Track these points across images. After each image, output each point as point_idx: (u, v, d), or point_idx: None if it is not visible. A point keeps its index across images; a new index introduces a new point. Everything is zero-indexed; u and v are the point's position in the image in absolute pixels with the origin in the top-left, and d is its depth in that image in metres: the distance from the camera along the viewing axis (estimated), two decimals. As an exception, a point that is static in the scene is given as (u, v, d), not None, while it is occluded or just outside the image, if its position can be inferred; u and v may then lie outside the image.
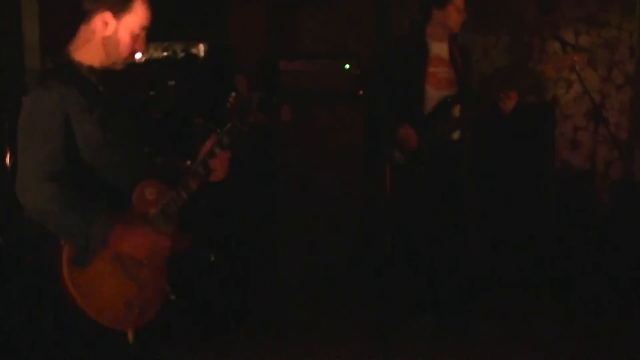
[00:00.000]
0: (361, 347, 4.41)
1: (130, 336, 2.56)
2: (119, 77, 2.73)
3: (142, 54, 2.74)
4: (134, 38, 2.65)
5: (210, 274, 4.89)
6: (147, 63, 5.41)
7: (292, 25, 7.26)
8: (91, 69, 2.64)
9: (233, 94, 2.97)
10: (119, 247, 2.51)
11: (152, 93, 5.19)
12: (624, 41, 6.28)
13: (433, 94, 4.60)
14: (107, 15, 2.59)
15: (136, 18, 2.63)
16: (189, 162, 2.93)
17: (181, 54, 7.83)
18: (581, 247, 5.58)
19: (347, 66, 5.84)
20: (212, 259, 4.96)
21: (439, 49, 4.65)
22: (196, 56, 8.15)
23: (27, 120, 2.52)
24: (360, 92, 5.79)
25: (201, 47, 8.24)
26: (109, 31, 2.61)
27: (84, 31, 2.65)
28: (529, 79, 4.30)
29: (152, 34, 2.76)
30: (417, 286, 4.76)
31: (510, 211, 5.92)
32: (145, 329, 2.63)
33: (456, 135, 4.67)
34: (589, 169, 5.94)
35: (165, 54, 5.62)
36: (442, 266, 4.72)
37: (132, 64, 2.81)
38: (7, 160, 4.65)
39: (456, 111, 4.65)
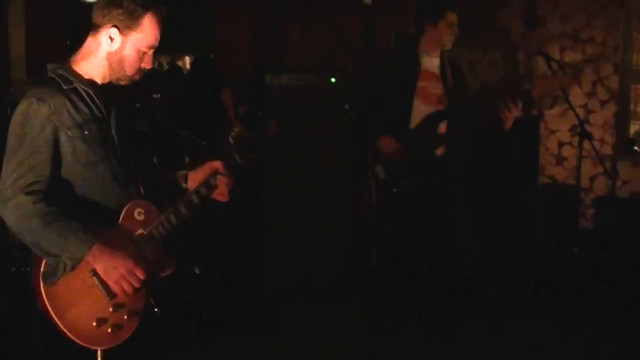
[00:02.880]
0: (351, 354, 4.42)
1: (99, 356, 2.55)
2: (108, 90, 2.67)
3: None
4: (140, 56, 2.61)
5: (195, 285, 4.90)
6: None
7: (279, 38, 7.29)
8: (91, 82, 2.60)
9: (236, 128, 2.92)
10: (95, 266, 2.47)
11: (137, 105, 5.18)
12: (608, 57, 6.33)
13: (422, 108, 4.60)
14: (114, 31, 2.55)
15: (144, 36, 2.58)
16: (180, 173, 2.92)
17: (167, 67, 7.85)
18: (565, 262, 5.61)
19: (334, 80, 5.85)
20: (197, 271, 4.96)
21: (430, 63, 4.66)
22: (182, 69, 8.17)
23: (16, 131, 2.47)
24: (347, 106, 5.80)
25: (187, 59, 8.27)
26: (114, 47, 2.57)
27: (89, 43, 2.62)
28: (517, 95, 4.29)
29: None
30: (402, 299, 4.76)
31: (494, 226, 5.94)
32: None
33: (440, 151, 4.67)
34: (574, 184, 5.97)
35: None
36: (427, 278, 4.72)
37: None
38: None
39: (442, 127, 4.66)
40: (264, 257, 5.78)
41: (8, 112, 4.83)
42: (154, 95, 5.29)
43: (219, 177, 2.84)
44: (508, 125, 4.33)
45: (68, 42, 5.91)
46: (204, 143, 4.83)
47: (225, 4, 6.84)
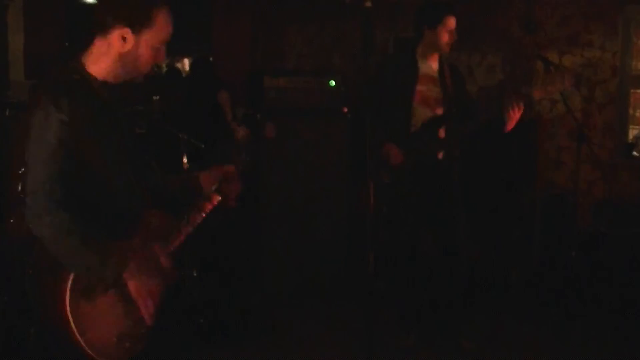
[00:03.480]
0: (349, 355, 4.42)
1: None
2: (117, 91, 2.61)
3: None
4: (155, 52, 2.52)
5: (194, 287, 4.89)
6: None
7: (277, 41, 7.29)
8: (105, 84, 2.52)
9: (245, 129, 2.93)
10: (129, 284, 2.42)
11: (136, 107, 5.17)
12: (607, 61, 6.34)
13: (421, 112, 4.61)
14: (126, 31, 2.44)
15: (157, 32, 2.48)
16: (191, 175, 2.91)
17: (165, 69, 7.84)
18: (564, 265, 5.60)
19: (333, 83, 5.85)
20: (195, 274, 4.96)
21: (429, 67, 4.66)
22: (180, 71, 8.17)
23: (37, 139, 2.35)
24: (345, 109, 5.80)
25: (186, 61, 8.26)
26: (126, 47, 2.46)
27: (99, 44, 2.50)
28: (516, 98, 4.29)
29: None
30: (400, 303, 4.76)
31: (493, 230, 5.93)
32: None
33: (440, 154, 4.67)
34: (572, 188, 5.96)
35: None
36: (427, 281, 4.72)
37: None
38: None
39: (442, 131, 4.66)
40: (262, 259, 5.78)
41: (7, 113, 4.83)
42: (153, 97, 5.28)
43: (227, 183, 2.82)
44: (511, 126, 4.31)
45: (67, 44, 5.91)
46: (202, 145, 4.83)
47: (223, 7, 6.84)
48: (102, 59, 2.50)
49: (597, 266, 5.47)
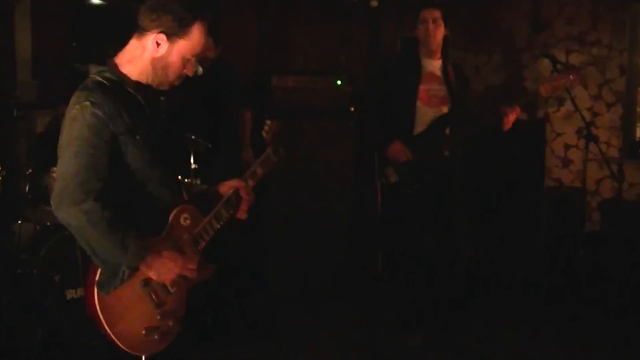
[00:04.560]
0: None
1: None
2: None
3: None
4: (184, 63, 2.58)
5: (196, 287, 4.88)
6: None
7: (284, 41, 7.29)
8: (138, 84, 2.57)
9: (268, 122, 2.96)
10: (149, 273, 2.48)
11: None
12: (615, 60, 6.32)
13: (425, 111, 4.61)
14: (161, 37, 2.50)
15: (190, 44, 2.54)
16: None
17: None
18: (571, 265, 5.59)
19: (339, 82, 5.85)
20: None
21: (432, 66, 4.67)
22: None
23: (74, 133, 2.41)
24: (352, 109, 5.80)
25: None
26: (160, 53, 2.52)
27: (134, 46, 2.56)
28: (523, 97, 4.30)
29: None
30: (406, 304, 4.76)
31: (499, 229, 5.93)
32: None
33: (447, 152, 4.67)
34: (580, 187, 5.95)
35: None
36: (429, 282, 4.71)
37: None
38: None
39: (448, 129, 4.67)
40: (266, 259, 5.78)
41: (14, 113, 4.84)
42: (160, 98, 5.27)
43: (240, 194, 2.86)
44: (507, 127, 4.41)
45: (74, 45, 5.92)
46: (210, 145, 4.82)
47: (230, 7, 6.84)
48: (136, 59, 2.56)
49: (603, 266, 5.46)
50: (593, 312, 5.25)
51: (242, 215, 2.89)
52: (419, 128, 4.60)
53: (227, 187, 2.87)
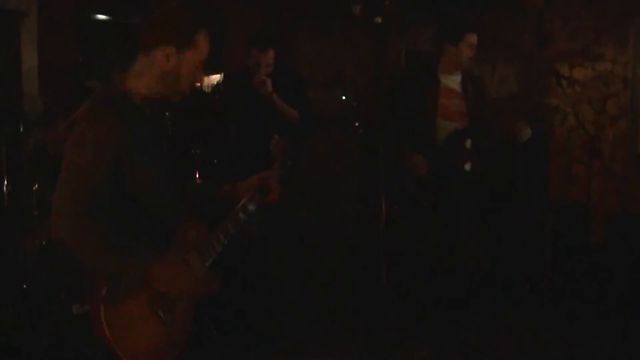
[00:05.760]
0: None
1: None
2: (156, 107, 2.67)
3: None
4: (195, 72, 2.61)
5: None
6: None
7: (289, 52, 7.31)
8: (145, 99, 2.58)
9: (276, 136, 2.99)
10: (154, 285, 2.46)
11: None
12: (618, 74, 6.33)
13: (444, 125, 4.63)
14: (170, 50, 2.53)
15: (198, 53, 2.57)
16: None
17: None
18: (576, 278, 5.60)
19: (344, 97, 5.86)
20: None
21: (450, 81, 4.69)
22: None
23: (75, 150, 2.42)
24: (357, 123, 5.81)
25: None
26: (170, 66, 2.54)
27: (142, 61, 2.57)
28: (532, 110, 4.34)
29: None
30: (413, 316, 4.76)
31: (504, 243, 5.93)
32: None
33: (467, 166, 4.69)
34: (585, 201, 5.95)
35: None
36: (442, 294, 4.72)
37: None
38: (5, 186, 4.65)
39: (468, 143, 4.69)
40: (270, 269, 5.78)
41: (21, 126, 4.85)
42: (165, 113, 5.28)
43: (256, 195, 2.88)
44: (522, 141, 4.42)
45: (80, 58, 5.94)
46: (215, 161, 4.83)
47: (235, 17, 6.86)
48: (144, 75, 2.58)
49: (606, 279, 5.47)
50: (593, 312, 5.25)
51: (274, 198, 2.97)
52: (438, 142, 4.62)
53: (246, 188, 2.90)
